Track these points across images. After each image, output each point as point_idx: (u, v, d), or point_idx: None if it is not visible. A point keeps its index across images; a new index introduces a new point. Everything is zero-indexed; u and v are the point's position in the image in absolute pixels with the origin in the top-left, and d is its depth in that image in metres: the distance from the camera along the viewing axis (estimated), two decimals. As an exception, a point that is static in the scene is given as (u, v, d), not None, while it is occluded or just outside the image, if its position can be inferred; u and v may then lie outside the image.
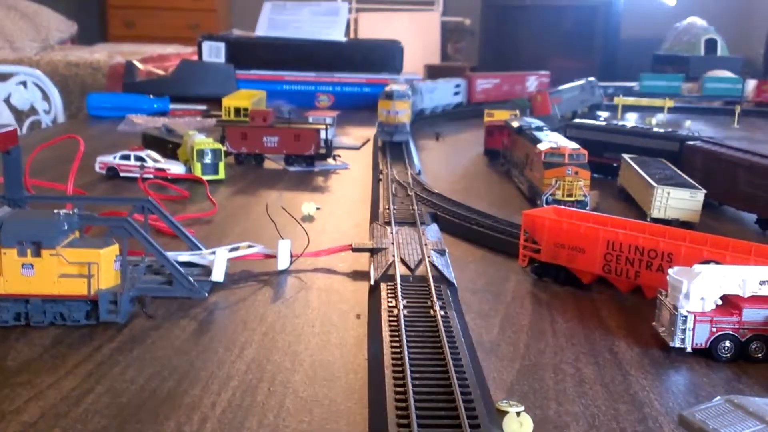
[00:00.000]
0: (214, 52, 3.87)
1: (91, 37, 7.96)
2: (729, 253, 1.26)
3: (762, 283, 1.14)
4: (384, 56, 3.97)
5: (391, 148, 2.56)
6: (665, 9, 7.86)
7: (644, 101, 3.87)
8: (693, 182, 1.89)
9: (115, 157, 2.26)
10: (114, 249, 1.24)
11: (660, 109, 3.69)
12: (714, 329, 1.14)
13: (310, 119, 2.72)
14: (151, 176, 2.19)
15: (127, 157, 2.25)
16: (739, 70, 6.34)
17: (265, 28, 4.04)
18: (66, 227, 1.22)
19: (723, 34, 7.11)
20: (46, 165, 2.19)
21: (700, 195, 1.82)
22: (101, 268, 1.21)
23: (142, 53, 5.56)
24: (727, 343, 1.14)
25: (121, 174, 2.24)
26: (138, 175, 2.17)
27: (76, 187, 1.78)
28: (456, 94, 3.68)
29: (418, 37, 8.00)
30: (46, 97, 3.96)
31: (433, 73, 7.68)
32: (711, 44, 7.04)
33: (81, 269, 1.20)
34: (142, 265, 1.34)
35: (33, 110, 3.92)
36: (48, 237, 1.19)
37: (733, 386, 1.09)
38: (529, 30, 7.69)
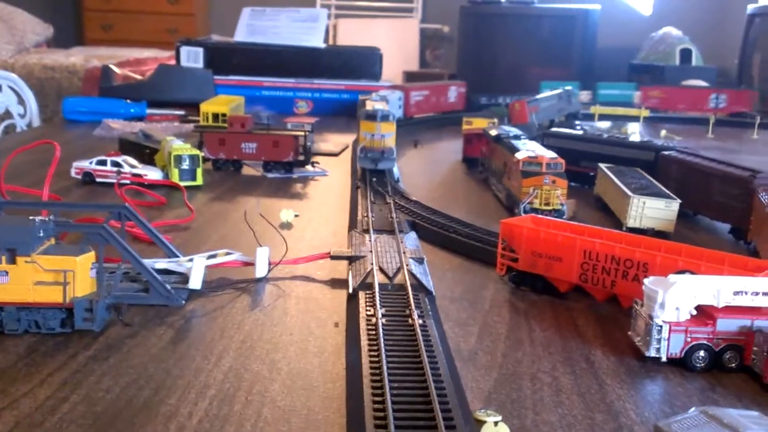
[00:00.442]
0: (192, 57, 3.85)
1: (68, 40, 7.90)
2: (703, 263, 1.27)
3: (736, 293, 1.15)
4: (363, 63, 3.98)
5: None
6: (641, 19, 7.96)
7: (620, 110, 3.91)
8: (668, 192, 1.91)
9: (91, 162, 2.24)
10: (90, 256, 1.23)
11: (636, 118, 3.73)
12: (689, 339, 1.15)
13: (289, 125, 2.71)
14: (127, 182, 2.17)
15: (103, 163, 2.24)
16: (713, 79, 6.43)
17: (244, 33, 4.03)
18: (41, 234, 1.21)
19: (698, 43, 7.20)
20: (21, 170, 2.16)
21: (675, 205, 1.84)
22: (77, 275, 1.20)
23: (119, 57, 5.53)
24: (702, 353, 1.16)
25: (97, 179, 2.23)
26: (114, 181, 2.15)
27: (51, 192, 1.76)
28: (399, 107, 3.48)
29: (396, 43, 8.02)
30: (21, 100, 3.92)
31: (411, 79, 7.71)
32: (686, 54, 7.13)
33: (56, 277, 1.19)
34: (118, 273, 1.33)
35: (8, 114, 3.87)
36: (23, 244, 1.18)
37: (707, 396, 1.10)
38: (507, 38, 7.73)
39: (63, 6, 8.76)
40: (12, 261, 1.18)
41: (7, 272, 1.18)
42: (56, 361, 1.13)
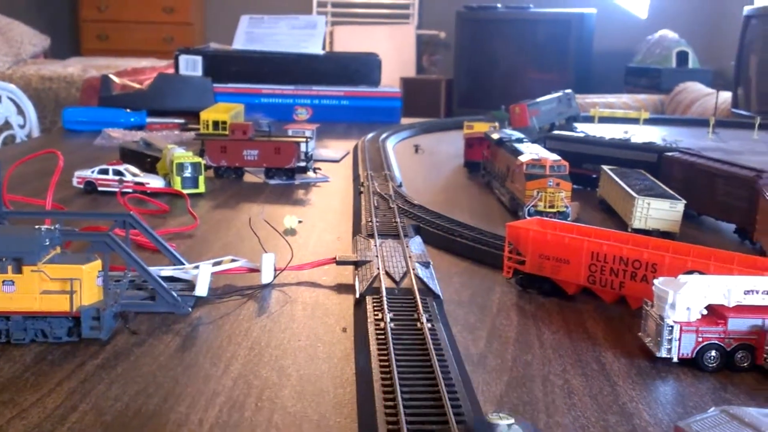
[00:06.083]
0: (191, 66, 3.85)
1: (64, 51, 7.91)
2: (712, 263, 1.27)
3: (747, 292, 1.15)
4: (361, 69, 3.98)
5: (371, 161, 2.56)
6: (637, 22, 7.97)
7: (620, 113, 3.91)
8: (672, 193, 1.91)
9: (93, 172, 2.23)
10: (96, 265, 1.22)
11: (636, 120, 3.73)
12: (700, 339, 1.15)
13: (290, 132, 2.71)
14: (130, 190, 2.17)
15: (105, 172, 2.23)
16: (710, 81, 6.44)
17: (242, 41, 4.03)
18: (47, 243, 1.20)
19: (694, 46, 7.22)
20: (23, 180, 2.16)
21: (680, 205, 1.83)
22: (83, 284, 1.19)
23: (116, 67, 5.54)
24: (713, 353, 1.15)
25: (99, 188, 2.22)
26: (116, 190, 2.14)
27: (53, 202, 1.75)
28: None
29: (393, 49, 8.04)
30: (20, 111, 3.92)
31: (408, 86, 7.72)
32: (682, 56, 7.15)
33: (63, 285, 1.18)
34: (124, 281, 1.32)
35: (7, 125, 3.87)
36: (29, 253, 1.17)
37: (719, 396, 1.09)
38: (504, 43, 7.76)
39: (59, 17, 8.77)
40: (18, 270, 1.17)
41: (13, 282, 1.17)
42: (64, 370, 1.12)
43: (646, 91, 6.72)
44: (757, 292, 1.15)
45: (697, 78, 6.44)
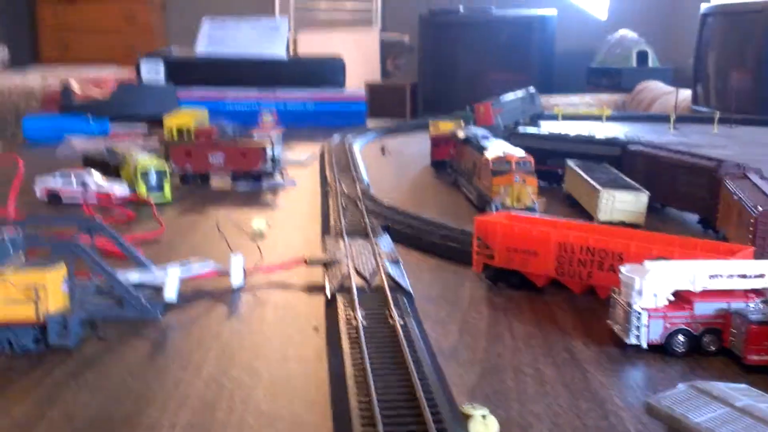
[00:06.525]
0: (153, 71, 3.81)
1: (24, 60, 7.77)
2: (677, 250, 1.28)
3: (712, 276, 1.16)
4: (326, 72, 3.97)
5: (337, 163, 2.55)
6: (597, 23, 8.06)
7: (583, 110, 3.96)
8: (636, 185, 1.93)
9: (55, 176, 2.17)
10: (61, 271, 1.20)
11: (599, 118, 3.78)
12: (667, 324, 1.16)
13: (255, 136, 2.69)
14: (95, 201, 2.13)
15: (68, 176, 2.16)
16: (670, 80, 6.53)
17: (205, 44, 4.00)
18: (11, 250, 1.18)
19: (654, 45, 7.32)
20: (-16, 190, 2.11)
21: (644, 197, 1.86)
22: (49, 291, 1.17)
23: (77, 76, 5.46)
24: (681, 338, 1.16)
25: (64, 201, 2.16)
26: (81, 201, 2.10)
27: (17, 211, 1.72)
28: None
29: (357, 54, 8.02)
30: (-21, 123, 3.85)
31: (373, 91, 7.72)
32: (642, 56, 7.25)
33: (28, 293, 1.16)
34: (90, 287, 1.30)
35: (-34, 137, 3.80)
36: (-8, 260, 1.15)
37: (688, 379, 1.10)
38: (467, 45, 7.79)
39: (18, 26, 8.62)
40: (-19, 279, 1.15)
41: (-24, 291, 1.15)
42: (32, 378, 1.10)
43: (607, 91, 6.80)
44: (722, 276, 1.17)
45: (657, 77, 6.53)
